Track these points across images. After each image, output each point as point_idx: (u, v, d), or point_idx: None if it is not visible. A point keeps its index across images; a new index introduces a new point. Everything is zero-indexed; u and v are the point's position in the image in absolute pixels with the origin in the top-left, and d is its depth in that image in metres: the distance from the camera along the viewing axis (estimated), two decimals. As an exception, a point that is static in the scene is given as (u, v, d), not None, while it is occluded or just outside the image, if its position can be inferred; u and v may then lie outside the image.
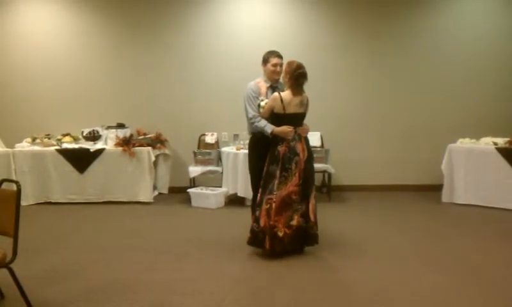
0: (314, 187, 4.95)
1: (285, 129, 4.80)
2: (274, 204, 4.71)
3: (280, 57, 5.03)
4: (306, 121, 5.02)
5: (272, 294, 3.95)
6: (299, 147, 4.80)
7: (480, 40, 7.98)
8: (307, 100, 4.89)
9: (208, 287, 4.10)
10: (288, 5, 7.97)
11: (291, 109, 4.81)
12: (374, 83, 8.06)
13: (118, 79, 8.11)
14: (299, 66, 4.79)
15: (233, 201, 7.26)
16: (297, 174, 4.75)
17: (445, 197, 7.18)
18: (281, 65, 4.99)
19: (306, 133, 4.92)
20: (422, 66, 8.03)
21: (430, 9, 7.97)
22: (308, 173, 4.83)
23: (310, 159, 4.88)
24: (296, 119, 4.86)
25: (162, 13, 7.96)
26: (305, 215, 4.82)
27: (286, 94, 4.83)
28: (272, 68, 5.00)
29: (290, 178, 4.75)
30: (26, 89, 8.10)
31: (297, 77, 4.76)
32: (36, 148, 7.39)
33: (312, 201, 4.86)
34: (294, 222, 4.76)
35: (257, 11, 8.00)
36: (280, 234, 4.73)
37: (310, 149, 4.92)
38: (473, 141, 7.16)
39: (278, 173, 4.75)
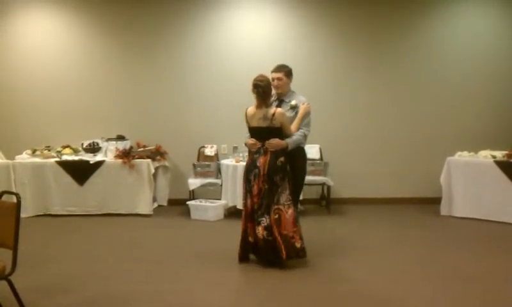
0: (279, 202, 4.80)
1: (249, 141, 4.99)
2: (243, 212, 5.01)
3: (278, 71, 5.10)
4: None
5: (270, 306, 3.96)
6: (260, 161, 4.85)
7: (480, 54, 8.04)
8: (274, 115, 4.81)
9: (206, 299, 4.10)
10: (289, 18, 8.03)
11: (254, 123, 4.92)
12: (374, 96, 8.09)
13: (118, 92, 8.15)
14: (257, 78, 4.86)
15: (233, 213, 7.25)
16: (255, 187, 4.85)
17: (444, 210, 7.18)
18: (279, 79, 5.06)
19: (273, 148, 4.84)
20: (421, 80, 8.07)
21: (431, 24, 8.04)
22: (270, 187, 4.80)
23: (271, 175, 4.80)
24: (260, 133, 4.89)
25: (162, 26, 8.02)
26: (269, 229, 4.79)
27: (251, 107, 4.95)
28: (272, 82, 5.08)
29: (251, 190, 4.89)
30: (26, 101, 8.14)
31: (253, 87, 4.85)
32: (36, 159, 7.41)
33: (274, 216, 4.77)
34: (259, 234, 4.82)
35: (257, 23, 8.05)
36: (251, 240, 4.91)
37: (275, 166, 4.81)
38: (472, 154, 7.17)
39: (243, 183, 5.04)
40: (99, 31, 8.10)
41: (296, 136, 4.97)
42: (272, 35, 8.03)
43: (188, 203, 7.29)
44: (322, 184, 7.65)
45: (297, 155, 5.07)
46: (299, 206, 7.27)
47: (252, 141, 4.96)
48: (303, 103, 5.05)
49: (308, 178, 7.22)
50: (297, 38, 8.04)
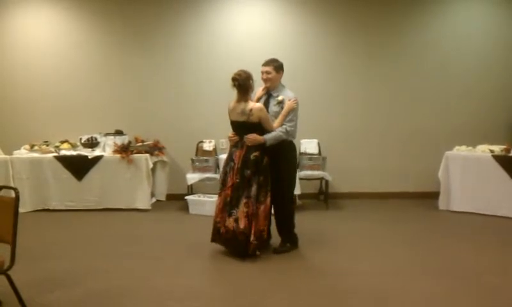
0: (249, 195, 4.87)
1: (229, 135, 5.13)
2: (217, 202, 5.12)
3: (267, 64, 5.15)
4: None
5: (270, 300, 3.97)
6: (236, 154, 4.98)
7: (477, 50, 8.03)
8: (251, 110, 4.88)
9: (206, 293, 4.12)
10: (287, 13, 8.01)
11: (233, 117, 5.03)
12: (372, 91, 8.09)
13: (116, 87, 8.13)
14: (236, 72, 4.95)
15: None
16: (229, 180, 4.99)
17: (442, 204, 7.20)
18: (267, 72, 5.12)
19: (250, 142, 4.92)
20: (419, 75, 8.06)
21: (429, 20, 8.01)
22: (241, 180, 4.89)
23: (243, 168, 4.90)
24: (238, 127, 5.02)
25: (160, 20, 7.99)
26: (238, 221, 4.88)
27: (233, 101, 5.05)
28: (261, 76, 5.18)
29: (227, 181, 5.01)
30: (24, 96, 8.12)
31: (231, 81, 4.94)
32: (34, 155, 7.40)
33: (243, 209, 4.86)
34: (228, 224, 4.93)
35: (255, 19, 8.03)
36: (222, 230, 4.97)
37: (248, 160, 4.89)
38: (470, 148, 7.18)
39: (221, 174, 5.23)
40: (97, 25, 8.07)
41: (276, 132, 4.98)
42: (270, 30, 8.01)
43: (186, 197, 7.30)
44: (321, 179, 7.65)
45: (281, 151, 5.06)
46: (297, 200, 7.34)
47: (231, 134, 5.10)
48: (290, 99, 5.06)
49: (306, 172, 7.30)
50: (295, 33, 8.03)
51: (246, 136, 4.92)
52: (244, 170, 4.90)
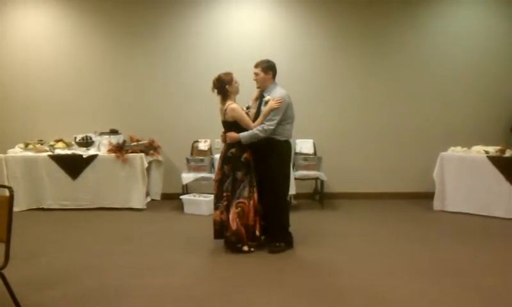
0: (228, 189, 5.12)
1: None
2: None
3: (256, 66, 5.29)
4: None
5: (266, 299, 3.96)
6: (222, 150, 5.30)
7: (474, 51, 8.04)
8: (226, 110, 5.15)
9: (199, 293, 4.11)
10: (282, 12, 8.01)
11: (221, 116, 5.24)
12: (367, 91, 8.10)
13: (111, 85, 8.11)
14: (215, 76, 5.23)
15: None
16: (216, 172, 5.31)
17: (437, 205, 7.21)
18: (256, 74, 5.29)
19: (228, 140, 5.17)
20: (414, 75, 8.08)
21: (424, 21, 8.02)
22: (222, 175, 5.19)
23: (222, 164, 5.20)
24: (223, 125, 5.30)
25: (155, 20, 7.99)
26: (223, 214, 5.14)
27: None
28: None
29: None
30: (19, 94, 8.10)
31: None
32: (29, 153, 7.37)
33: (234, 210, 5.09)
34: (216, 217, 5.24)
35: (251, 18, 8.03)
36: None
37: (225, 156, 5.19)
38: (465, 149, 7.20)
39: None
40: (94, 25, 8.05)
41: (253, 130, 5.10)
42: (265, 29, 8.01)
43: (181, 197, 7.29)
44: (316, 179, 7.66)
45: (273, 149, 5.17)
46: (292, 200, 7.34)
47: (222, 132, 5.33)
48: (273, 99, 5.11)
49: (302, 172, 7.30)
50: (291, 34, 8.02)
51: (226, 134, 5.20)
52: (223, 166, 5.17)
